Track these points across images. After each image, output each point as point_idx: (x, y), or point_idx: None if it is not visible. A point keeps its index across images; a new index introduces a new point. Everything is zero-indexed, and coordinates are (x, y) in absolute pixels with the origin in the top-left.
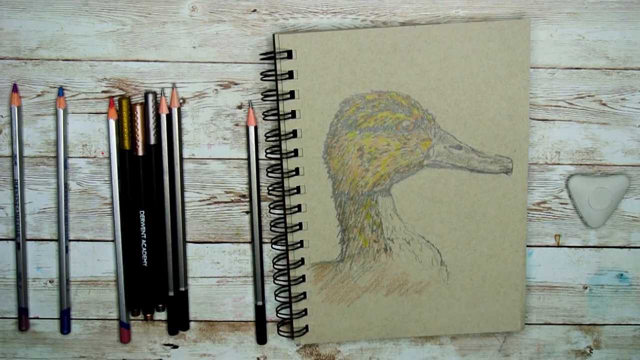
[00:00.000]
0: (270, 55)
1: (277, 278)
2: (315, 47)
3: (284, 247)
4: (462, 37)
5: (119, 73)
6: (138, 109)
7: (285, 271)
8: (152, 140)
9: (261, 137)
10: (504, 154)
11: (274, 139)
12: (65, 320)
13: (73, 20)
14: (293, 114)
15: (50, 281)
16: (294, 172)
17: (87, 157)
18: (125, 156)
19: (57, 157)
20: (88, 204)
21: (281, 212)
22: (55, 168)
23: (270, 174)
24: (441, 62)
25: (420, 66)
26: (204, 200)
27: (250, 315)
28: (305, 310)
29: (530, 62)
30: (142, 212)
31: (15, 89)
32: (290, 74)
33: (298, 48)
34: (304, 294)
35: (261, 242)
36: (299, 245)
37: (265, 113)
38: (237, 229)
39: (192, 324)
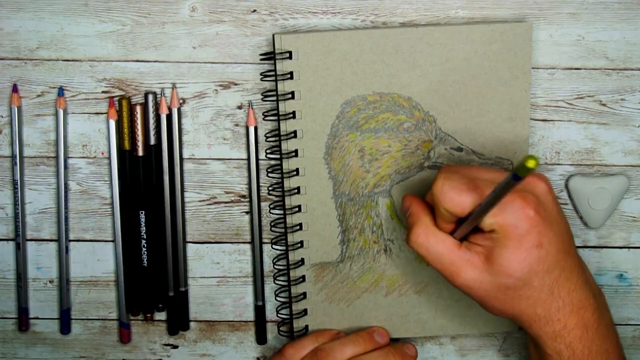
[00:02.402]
0: (270, 56)
1: (277, 278)
2: (316, 48)
3: (284, 248)
4: (464, 39)
5: (119, 73)
6: (138, 109)
7: (285, 271)
8: (152, 141)
9: (261, 138)
10: (505, 156)
11: (274, 139)
12: (65, 321)
13: (73, 20)
14: (293, 114)
15: (50, 281)
16: (294, 173)
17: (87, 158)
18: (125, 156)
19: (57, 157)
20: (88, 204)
21: (281, 212)
22: (55, 168)
23: (270, 174)
24: (443, 64)
25: (421, 68)
26: (203, 200)
27: (250, 315)
28: (305, 310)
29: (531, 64)
30: (142, 212)
31: (15, 89)
32: (291, 75)
33: (299, 49)
34: (304, 294)
35: (261, 242)
36: (299, 245)
37: (265, 113)
38: (237, 229)
39: (192, 324)
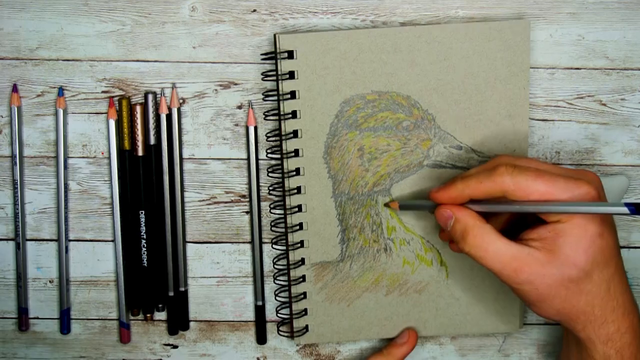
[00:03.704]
0: (271, 56)
1: (277, 278)
2: (316, 48)
3: (284, 247)
4: (462, 37)
5: (119, 73)
6: (138, 109)
7: (286, 271)
8: (152, 141)
9: (261, 137)
10: (504, 153)
11: (274, 139)
12: (65, 320)
13: (73, 20)
14: (294, 114)
15: (50, 281)
16: (294, 172)
17: (87, 157)
18: (125, 156)
19: (57, 157)
20: (88, 204)
21: (281, 212)
22: (55, 168)
23: (270, 174)
24: (441, 62)
25: (420, 66)
26: (203, 200)
27: (250, 315)
28: (305, 310)
29: (530, 62)
30: (142, 212)
31: (15, 89)
32: (291, 74)
33: (299, 48)
34: (304, 293)
35: (261, 242)
36: (299, 245)
37: (266, 113)
38: (237, 229)
39: (192, 324)
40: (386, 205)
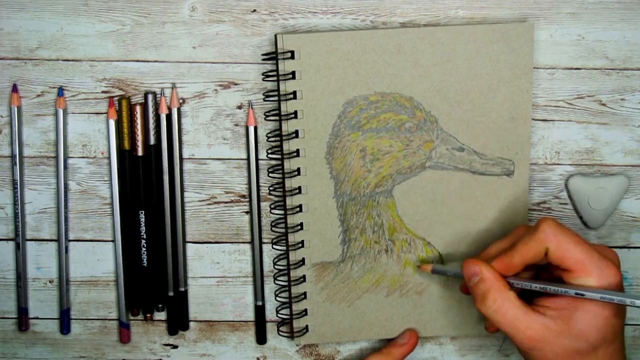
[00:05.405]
0: (272, 56)
1: (278, 278)
2: (319, 48)
3: (285, 247)
4: (465, 39)
5: (118, 73)
6: (138, 109)
7: (286, 271)
8: (152, 141)
9: (261, 137)
10: (506, 156)
11: (275, 139)
12: (65, 320)
13: (73, 20)
14: (295, 114)
15: (50, 281)
16: (295, 173)
17: (87, 157)
18: (125, 156)
19: (57, 157)
20: (88, 204)
21: (282, 212)
22: (55, 168)
23: (271, 174)
24: (444, 64)
25: (423, 68)
26: (203, 200)
27: (250, 315)
28: (306, 310)
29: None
30: (142, 212)
31: (15, 89)
32: (293, 75)
33: (301, 48)
34: (305, 294)
35: (261, 242)
36: (299, 245)
37: (267, 113)
38: (237, 229)
39: (191, 324)
40: (419, 267)
